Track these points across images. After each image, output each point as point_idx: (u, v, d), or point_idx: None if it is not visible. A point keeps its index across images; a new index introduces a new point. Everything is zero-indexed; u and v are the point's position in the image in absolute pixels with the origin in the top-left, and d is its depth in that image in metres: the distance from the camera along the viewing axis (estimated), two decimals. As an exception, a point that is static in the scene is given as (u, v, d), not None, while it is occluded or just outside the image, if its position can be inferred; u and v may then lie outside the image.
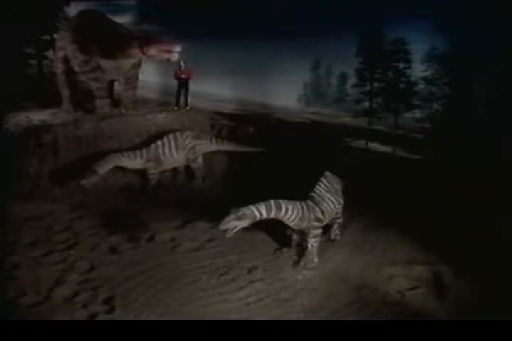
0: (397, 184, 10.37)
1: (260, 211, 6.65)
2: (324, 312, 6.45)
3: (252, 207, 6.61)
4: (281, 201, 6.90)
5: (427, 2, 12.32)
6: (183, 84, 12.29)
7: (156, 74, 14.24)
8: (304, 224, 7.20)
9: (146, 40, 9.71)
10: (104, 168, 9.99)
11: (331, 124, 15.01)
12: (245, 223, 6.55)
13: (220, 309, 6.47)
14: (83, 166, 9.91)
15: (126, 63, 11.37)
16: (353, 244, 8.20)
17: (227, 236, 6.57)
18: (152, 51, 9.38)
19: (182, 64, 12.00)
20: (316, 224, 7.29)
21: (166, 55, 9.43)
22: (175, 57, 9.45)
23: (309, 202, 7.28)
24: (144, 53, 9.58)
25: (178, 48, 9.33)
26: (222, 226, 6.45)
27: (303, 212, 7.08)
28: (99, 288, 6.90)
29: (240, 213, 6.47)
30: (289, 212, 6.94)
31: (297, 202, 7.09)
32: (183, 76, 12.13)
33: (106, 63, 11.16)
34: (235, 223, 6.46)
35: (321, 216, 7.32)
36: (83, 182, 9.72)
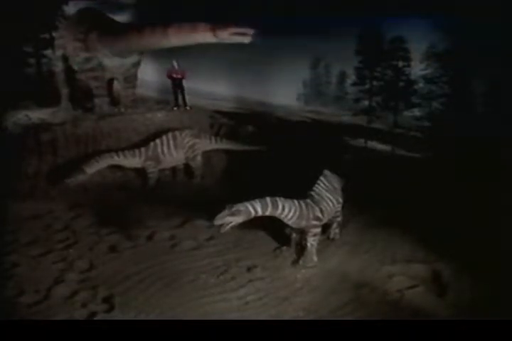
0: (397, 182, 10.36)
1: (255, 208, 6.64)
2: (324, 311, 6.44)
3: (247, 204, 6.60)
4: (277, 199, 6.88)
5: (427, 1, 12.29)
6: (178, 84, 12.19)
7: (155, 72, 14.23)
8: (303, 223, 7.19)
9: (219, 24, 9.59)
10: (93, 167, 9.92)
11: (330, 123, 15.01)
12: (240, 219, 6.53)
13: (219, 308, 6.46)
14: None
15: (128, 62, 11.35)
16: (353, 243, 8.20)
17: (222, 231, 6.55)
18: (225, 34, 9.32)
19: (174, 63, 11.94)
20: (315, 222, 7.28)
21: (239, 38, 9.36)
22: (248, 39, 9.38)
23: (308, 200, 7.26)
24: (216, 36, 9.49)
25: (251, 31, 9.31)
26: (217, 222, 6.44)
27: (301, 211, 7.07)
28: (98, 286, 6.90)
29: (235, 209, 6.45)
30: (286, 210, 6.93)
31: (295, 201, 7.07)
32: (177, 76, 12.03)
33: (109, 61, 11.14)
34: (229, 219, 6.44)
35: (320, 215, 7.31)
36: (68, 180, 9.69)
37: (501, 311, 6.14)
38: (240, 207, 6.51)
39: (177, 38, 9.90)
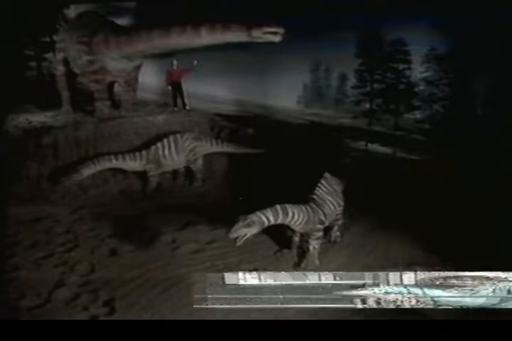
0: (398, 185, 10.36)
1: (268, 217, 6.64)
2: (324, 314, 6.42)
3: (259, 214, 6.59)
4: (286, 206, 6.89)
5: (427, 2, 12.30)
6: (176, 87, 12.18)
7: (156, 75, 14.23)
8: (309, 227, 7.21)
9: (253, 23, 9.78)
10: (89, 169, 9.89)
11: (330, 126, 14.99)
12: (254, 230, 6.51)
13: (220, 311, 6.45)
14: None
15: (131, 65, 11.37)
16: (354, 246, 8.19)
17: (238, 244, 6.48)
18: (259, 33, 9.53)
19: (174, 63, 11.93)
20: (319, 226, 7.31)
21: (270, 37, 9.55)
22: (279, 38, 9.56)
23: (312, 204, 7.28)
24: (250, 35, 9.68)
25: (282, 30, 9.47)
26: (232, 235, 6.38)
27: (308, 216, 7.09)
28: (99, 290, 6.89)
29: (249, 220, 6.43)
30: (296, 217, 6.94)
31: (302, 206, 7.09)
32: (173, 79, 12.01)
33: (113, 64, 11.16)
34: (244, 230, 6.41)
35: (323, 218, 7.33)
36: (63, 179, 9.71)
37: (501, 311, 6.15)
38: (253, 217, 6.49)
39: (210, 37, 10.06)
